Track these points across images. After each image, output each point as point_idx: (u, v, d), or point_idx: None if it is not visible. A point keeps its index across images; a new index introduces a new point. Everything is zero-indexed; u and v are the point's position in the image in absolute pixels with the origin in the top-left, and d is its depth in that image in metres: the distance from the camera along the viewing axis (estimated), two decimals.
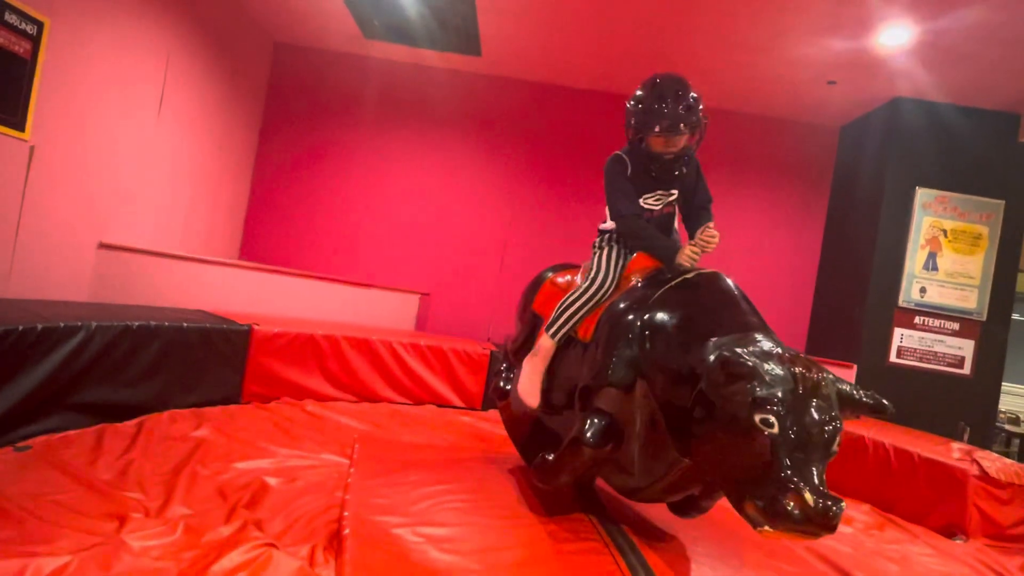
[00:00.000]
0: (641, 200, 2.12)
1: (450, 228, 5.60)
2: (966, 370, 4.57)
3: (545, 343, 2.16)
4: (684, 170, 2.11)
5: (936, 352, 4.59)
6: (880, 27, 3.76)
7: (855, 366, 4.60)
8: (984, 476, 2.88)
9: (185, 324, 2.98)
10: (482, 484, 2.23)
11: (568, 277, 2.36)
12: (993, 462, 2.95)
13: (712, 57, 4.49)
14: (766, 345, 1.47)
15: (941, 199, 4.63)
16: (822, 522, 1.23)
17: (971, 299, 4.59)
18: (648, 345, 1.75)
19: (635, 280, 2.03)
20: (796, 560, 2.14)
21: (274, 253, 5.51)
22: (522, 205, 5.57)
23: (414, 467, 2.32)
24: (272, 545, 1.67)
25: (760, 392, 1.33)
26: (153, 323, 2.82)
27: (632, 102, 2.05)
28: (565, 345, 2.12)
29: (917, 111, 4.64)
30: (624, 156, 2.12)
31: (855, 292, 4.81)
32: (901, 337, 4.61)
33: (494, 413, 3.93)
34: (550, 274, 2.50)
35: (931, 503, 2.97)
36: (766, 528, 1.29)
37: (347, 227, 5.60)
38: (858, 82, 4.55)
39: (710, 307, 1.71)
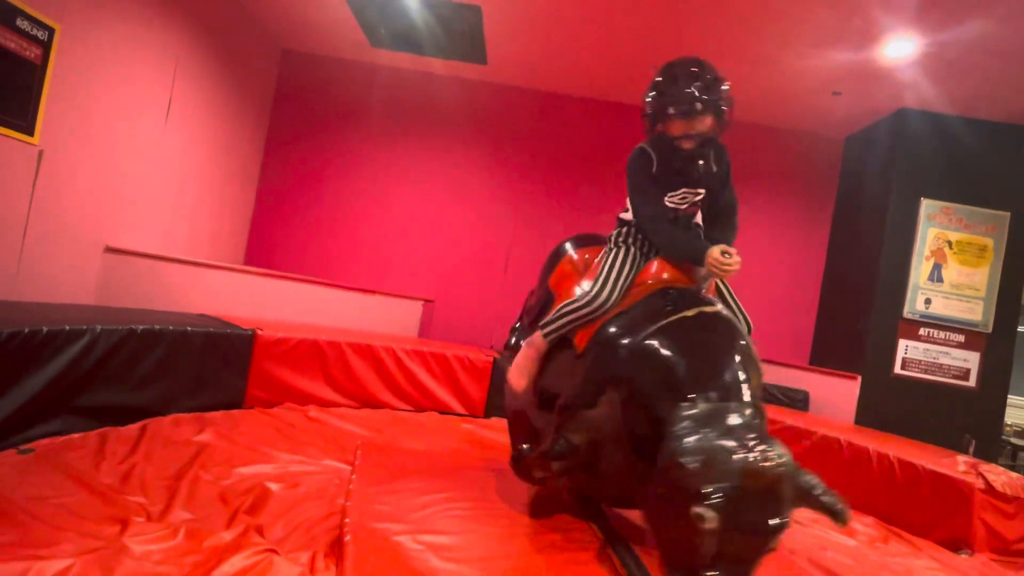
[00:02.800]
0: (666, 198, 1.98)
1: (454, 235, 5.61)
2: (972, 382, 4.54)
3: (538, 340, 2.12)
4: (713, 167, 1.98)
5: (941, 364, 4.57)
6: (885, 38, 3.77)
7: (859, 377, 4.59)
8: (990, 490, 2.86)
9: (189, 328, 2.99)
10: (484, 492, 2.22)
11: (587, 256, 2.24)
12: (999, 476, 2.92)
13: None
14: (728, 428, 1.42)
15: (946, 210, 4.62)
16: None
17: (976, 311, 4.57)
18: (627, 387, 1.72)
19: (642, 294, 1.93)
20: (800, 573, 2.12)
21: (279, 258, 5.53)
22: (526, 213, 5.58)
23: (416, 474, 2.31)
24: (273, 551, 1.67)
25: (702, 486, 1.31)
26: (157, 327, 2.83)
27: (649, 90, 1.91)
28: (561, 345, 2.07)
29: (922, 122, 4.64)
30: (648, 149, 1.97)
31: (860, 303, 4.79)
32: (906, 349, 4.59)
33: (496, 421, 3.92)
34: (569, 249, 2.40)
35: (936, 516, 2.95)
36: None
37: (351, 233, 5.61)
38: (863, 93, 4.55)
39: (697, 360, 1.64)
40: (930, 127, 4.63)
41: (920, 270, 4.61)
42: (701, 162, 1.95)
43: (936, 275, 4.60)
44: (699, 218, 2.16)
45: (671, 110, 1.83)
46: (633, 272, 2.02)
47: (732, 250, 1.85)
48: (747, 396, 1.56)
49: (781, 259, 5.52)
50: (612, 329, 1.86)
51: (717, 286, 2.09)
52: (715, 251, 1.83)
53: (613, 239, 2.13)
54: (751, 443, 1.37)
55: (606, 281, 1.99)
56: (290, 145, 5.65)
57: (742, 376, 1.61)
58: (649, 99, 1.91)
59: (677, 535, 1.38)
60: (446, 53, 5.10)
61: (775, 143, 5.50)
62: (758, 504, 1.31)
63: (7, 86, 2.88)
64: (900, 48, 3.85)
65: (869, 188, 4.99)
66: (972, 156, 4.61)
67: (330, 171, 5.63)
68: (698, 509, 1.29)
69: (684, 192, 2.00)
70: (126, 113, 3.71)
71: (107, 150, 3.61)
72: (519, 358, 2.20)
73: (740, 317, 2.04)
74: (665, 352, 1.67)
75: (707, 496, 1.29)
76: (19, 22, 2.88)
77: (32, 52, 2.97)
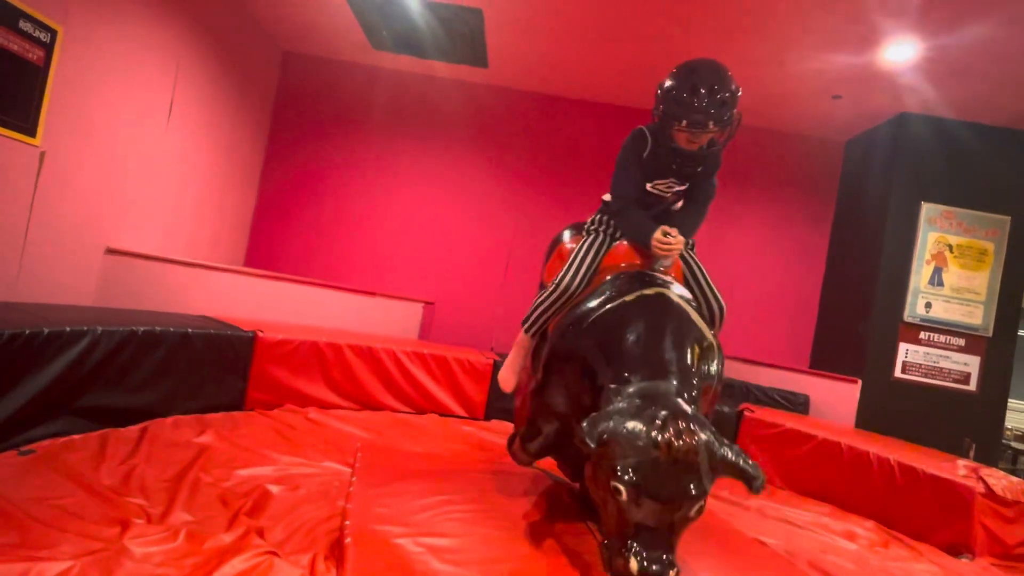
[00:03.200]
0: (652, 184, 2.06)
1: (455, 237, 5.61)
2: (972, 386, 4.54)
3: (522, 337, 2.23)
4: (705, 164, 2.04)
5: (942, 368, 4.57)
6: (886, 42, 3.78)
7: (859, 381, 4.59)
8: (990, 494, 2.86)
9: (190, 330, 2.99)
10: (484, 495, 2.22)
11: (573, 246, 2.32)
12: (999, 480, 2.92)
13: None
14: (647, 405, 1.51)
15: (947, 214, 4.62)
16: None
17: (977, 315, 4.57)
18: (572, 371, 1.87)
19: (603, 279, 2.04)
20: None
21: (279, 260, 5.53)
22: (527, 215, 5.59)
23: (416, 476, 2.31)
24: (274, 553, 1.66)
25: (616, 461, 1.43)
26: (158, 329, 2.83)
27: (663, 87, 1.93)
28: (544, 335, 2.18)
29: (923, 126, 4.65)
30: (648, 134, 2.02)
31: (860, 306, 4.80)
32: (906, 352, 4.59)
33: (496, 423, 3.92)
34: (565, 238, 2.52)
35: (936, 520, 2.95)
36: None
37: (352, 235, 5.62)
38: (864, 97, 4.56)
39: (634, 341, 1.73)
40: (931, 131, 4.64)
41: (920, 274, 4.61)
42: (697, 164, 2.01)
43: (936, 279, 4.60)
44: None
45: (684, 122, 1.85)
46: (599, 257, 2.14)
47: (672, 231, 1.93)
48: (678, 374, 1.66)
49: (781, 262, 5.52)
50: (568, 316, 1.99)
51: (687, 266, 2.17)
52: (657, 233, 1.92)
53: (587, 226, 2.24)
54: (668, 419, 1.45)
55: (568, 268, 2.10)
56: (291, 147, 5.66)
57: (675, 355, 1.70)
58: (663, 98, 1.91)
59: (604, 506, 1.51)
60: (447, 56, 5.11)
61: (776, 146, 5.50)
62: (673, 476, 1.41)
63: (10, 87, 2.88)
64: (901, 52, 3.86)
65: (869, 192, 4.99)
66: (973, 160, 4.61)
67: (331, 173, 5.64)
68: (614, 482, 1.42)
69: (670, 181, 2.06)
70: (128, 115, 3.72)
71: (108, 151, 3.61)
72: (509, 356, 2.30)
73: (711, 297, 2.12)
74: (601, 336, 1.80)
75: (622, 471, 1.41)
76: (22, 24, 2.88)
77: (35, 54, 2.98)
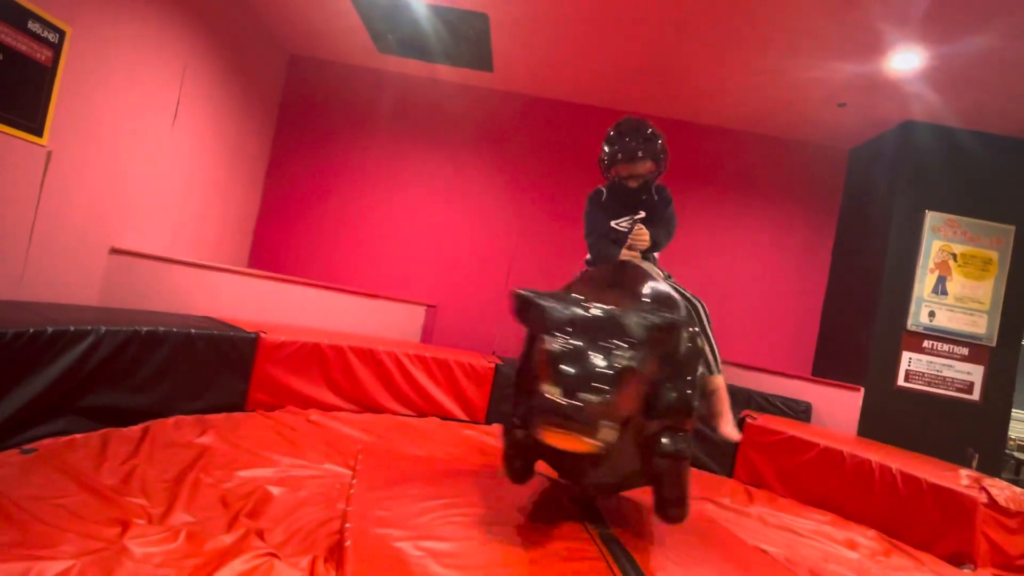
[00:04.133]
0: (614, 223, 2.52)
1: (458, 240, 5.62)
2: (975, 396, 4.52)
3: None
4: (655, 198, 2.50)
5: (945, 377, 4.55)
6: (891, 51, 3.78)
7: (862, 389, 4.57)
8: (993, 504, 2.85)
9: (193, 330, 3.00)
10: (485, 499, 2.21)
11: None
12: (1002, 490, 2.91)
13: (722, 77, 4.51)
14: (580, 296, 1.76)
15: (951, 223, 4.62)
16: (562, 412, 1.41)
17: (981, 324, 4.56)
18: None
19: None
20: None
21: (282, 262, 5.54)
22: (530, 219, 5.59)
23: (417, 480, 2.31)
24: (273, 555, 1.67)
25: (540, 319, 1.66)
26: (161, 329, 2.84)
27: (603, 145, 2.49)
28: None
29: (928, 134, 4.64)
30: (602, 189, 2.60)
31: (863, 315, 4.78)
32: (909, 361, 4.58)
33: (498, 427, 3.92)
34: None
35: (939, 530, 2.94)
36: (536, 433, 1.47)
37: (355, 237, 5.63)
38: (868, 105, 4.56)
39: (591, 284, 1.95)
40: (935, 139, 4.63)
41: (924, 282, 4.60)
42: (642, 195, 2.48)
43: (940, 288, 4.59)
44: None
45: (620, 156, 2.37)
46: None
47: (638, 225, 2.39)
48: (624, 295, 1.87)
49: (784, 269, 5.52)
50: None
51: None
52: (623, 253, 2.34)
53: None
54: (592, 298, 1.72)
55: None
56: (295, 149, 5.67)
57: (627, 286, 1.94)
58: (605, 150, 2.46)
59: (540, 365, 1.62)
60: (453, 60, 5.13)
61: (779, 154, 5.50)
62: (593, 329, 1.60)
63: (18, 87, 2.90)
64: (905, 60, 3.86)
65: (873, 200, 4.99)
66: (977, 169, 4.61)
67: (335, 175, 5.65)
68: (544, 335, 1.61)
69: (628, 218, 2.52)
70: (134, 115, 3.74)
71: (114, 152, 3.63)
72: None
73: (690, 297, 2.41)
74: (576, 289, 2.02)
75: (546, 324, 1.63)
76: (30, 24, 2.90)
77: (43, 54, 2.99)
